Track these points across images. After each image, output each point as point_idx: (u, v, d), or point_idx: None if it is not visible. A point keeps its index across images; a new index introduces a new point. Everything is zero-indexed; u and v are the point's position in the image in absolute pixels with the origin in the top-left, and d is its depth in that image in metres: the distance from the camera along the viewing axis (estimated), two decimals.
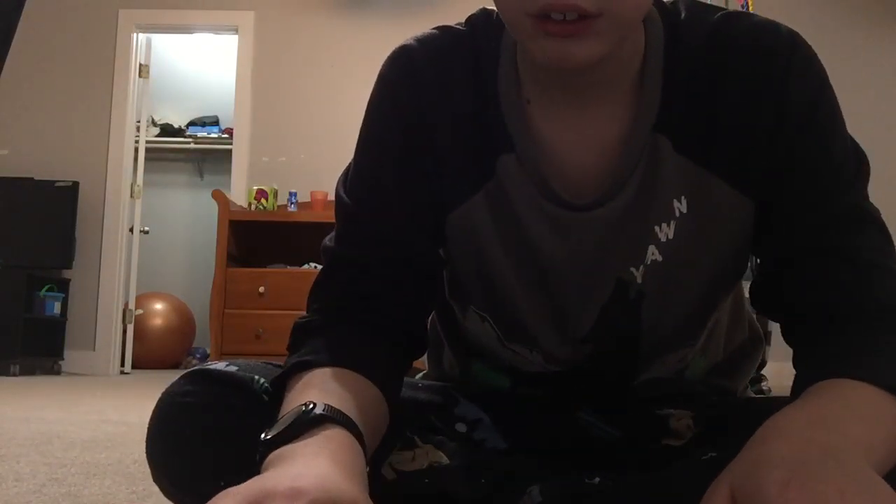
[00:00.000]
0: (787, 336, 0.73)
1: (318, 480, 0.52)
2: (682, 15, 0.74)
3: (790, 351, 0.72)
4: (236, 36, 5.50)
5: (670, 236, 0.75)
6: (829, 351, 0.66)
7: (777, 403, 0.61)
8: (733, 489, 0.51)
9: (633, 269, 0.76)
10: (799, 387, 0.64)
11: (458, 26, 0.79)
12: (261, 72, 5.43)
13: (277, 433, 0.59)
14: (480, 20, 0.78)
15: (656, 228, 0.74)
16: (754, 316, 0.95)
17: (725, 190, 0.73)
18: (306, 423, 0.59)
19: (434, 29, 0.79)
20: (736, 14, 0.73)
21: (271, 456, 0.57)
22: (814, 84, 0.71)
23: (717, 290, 0.80)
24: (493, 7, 0.78)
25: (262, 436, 0.59)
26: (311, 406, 0.60)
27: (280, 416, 0.62)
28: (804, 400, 0.61)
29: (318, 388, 0.65)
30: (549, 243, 0.76)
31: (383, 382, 0.71)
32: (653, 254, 0.75)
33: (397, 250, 0.76)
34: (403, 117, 0.76)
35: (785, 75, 0.70)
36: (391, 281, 0.76)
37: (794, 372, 0.68)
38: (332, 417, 0.60)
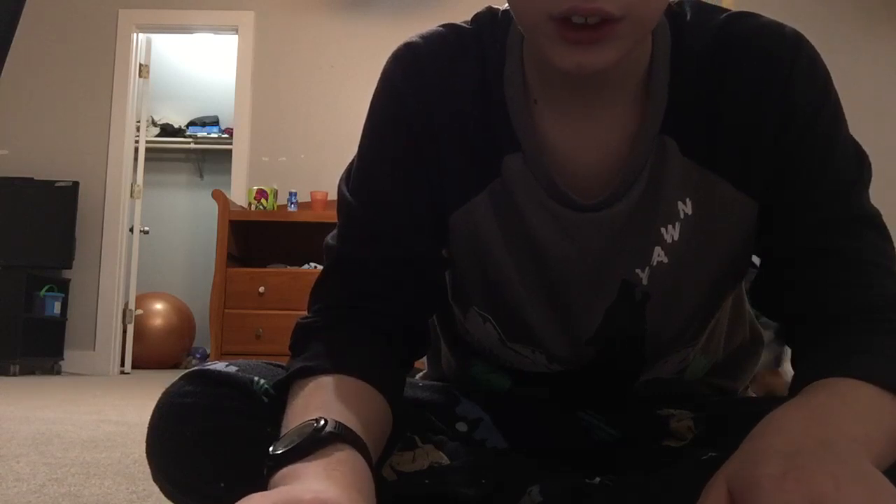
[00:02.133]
0: (787, 337, 0.73)
1: (339, 499, 0.52)
2: (688, 16, 0.74)
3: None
4: (236, 36, 5.50)
5: (675, 238, 0.74)
6: (828, 351, 0.66)
7: (777, 403, 0.61)
8: (730, 483, 0.51)
9: (638, 271, 0.76)
10: (797, 386, 0.64)
11: (464, 24, 0.78)
12: (261, 72, 5.43)
13: (287, 449, 0.57)
14: (486, 18, 0.78)
15: (662, 230, 0.74)
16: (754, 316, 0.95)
17: (730, 191, 0.73)
18: (316, 442, 0.58)
19: (439, 26, 0.78)
20: (741, 15, 0.73)
21: (279, 473, 0.56)
22: (817, 87, 0.71)
23: (721, 291, 0.80)
24: (498, 6, 0.78)
25: (271, 450, 0.58)
26: (323, 424, 0.59)
27: (286, 428, 0.61)
28: (802, 397, 0.61)
29: (324, 401, 0.64)
30: (554, 243, 0.75)
31: (387, 388, 0.71)
32: (658, 255, 0.75)
33: (399, 249, 0.76)
34: (407, 115, 0.76)
35: (789, 78, 0.70)
36: (393, 280, 0.75)
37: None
38: (343, 436, 0.59)
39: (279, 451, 0.58)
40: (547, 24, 0.61)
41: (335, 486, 0.54)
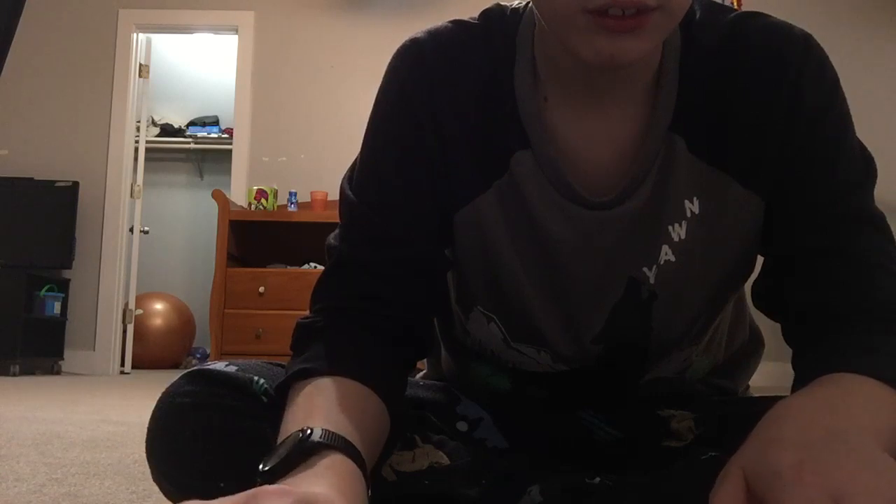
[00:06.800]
0: (788, 336, 0.73)
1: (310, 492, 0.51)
2: (698, 15, 0.74)
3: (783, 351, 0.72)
4: (236, 36, 5.50)
5: (682, 236, 0.74)
6: (830, 349, 0.66)
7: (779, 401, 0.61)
8: (745, 471, 0.51)
9: (645, 269, 0.76)
10: (798, 383, 0.64)
11: (471, 20, 0.78)
12: (261, 72, 5.43)
13: (275, 464, 0.57)
14: (495, 14, 0.77)
15: (669, 228, 0.74)
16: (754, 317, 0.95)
17: (737, 190, 0.73)
18: (304, 452, 0.57)
19: (447, 22, 0.77)
20: (750, 15, 0.73)
21: None
22: (824, 88, 0.71)
23: (726, 290, 0.80)
24: (506, 2, 0.78)
25: (261, 466, 0.57)
26: (309, 433, 0.58)
27: (281, 436, 0.61)
28: (808, 389, 0.60)
29: (319, 406, 0.64)
30: (563, 241, 0.75)
31: (386, 390, 0.70)
32: (666, 254, 0.75)
33: (401, 249, 0.75)
34: (411, 112, 0.75)
35: (796, 79, 0.70)
36: (395, 281, 0.75)
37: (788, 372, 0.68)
38: (330, 444, 0.58)
39: (267, 468, 0.57)
40: (580, 17, 0.61)
41: (319, 488, 0.53)
